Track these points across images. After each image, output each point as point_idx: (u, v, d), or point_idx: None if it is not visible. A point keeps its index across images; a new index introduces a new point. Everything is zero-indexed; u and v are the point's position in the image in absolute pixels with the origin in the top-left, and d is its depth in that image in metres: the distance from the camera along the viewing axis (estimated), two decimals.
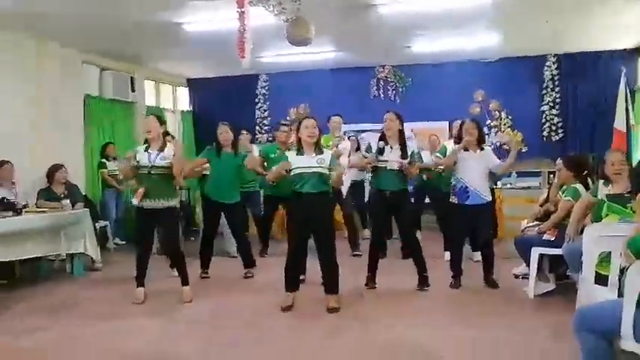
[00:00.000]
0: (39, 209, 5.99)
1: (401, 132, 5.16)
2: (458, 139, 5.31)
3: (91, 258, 6.26)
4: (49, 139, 7.28)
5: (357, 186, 7.41)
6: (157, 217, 4.98)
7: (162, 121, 5.08)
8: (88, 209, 6.31)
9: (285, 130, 6.92)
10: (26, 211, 5.72)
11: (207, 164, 6.01)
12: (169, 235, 5.17)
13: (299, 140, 4.64)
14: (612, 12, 6.57)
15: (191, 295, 5.07)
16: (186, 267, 5.15)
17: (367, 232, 8.00)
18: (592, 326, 2.67)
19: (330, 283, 4.69)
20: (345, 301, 4.82)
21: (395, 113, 5.20)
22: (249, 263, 6.06)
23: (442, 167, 5.92)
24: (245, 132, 7.40)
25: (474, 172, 5.17)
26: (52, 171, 6.47)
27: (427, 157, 6.76)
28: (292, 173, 4.59)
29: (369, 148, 5.28)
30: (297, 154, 4.64)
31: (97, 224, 6.86)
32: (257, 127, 10.40)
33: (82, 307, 4.99)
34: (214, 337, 4.13)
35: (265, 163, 6.63)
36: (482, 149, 5.23)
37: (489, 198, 5.26)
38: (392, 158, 5.08)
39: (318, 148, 4.61)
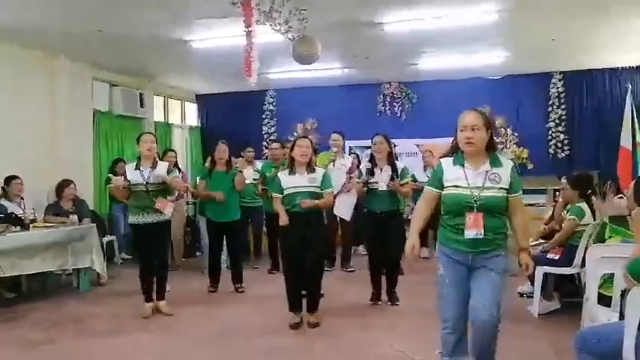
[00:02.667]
0: (46, 224, 6.04)
1: (390, 153, 5.23)
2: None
3: (98, 273, 6.29)
4: (59, 154, 7.38)
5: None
6: (154, 232, 5.08)
7: (156, 140, 5.27)
8: (95, 224, 6.36)
9: (276, 147, 7.03)
10: (34, 226, 5.78)
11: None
12: (161, 249, 5.26)
13: (292, 159, 4.69)
14: (618, 30, 6.61)
15: (171, 310, 5.20)
16: (165, 282, 5.30)
17: (361, 248, 7.99)
18: (594, 349, 2.67)
19: (312, 302, 4.77)
20: (344, 318, 4.84)
21: (384, 136, 5.29)
22: (239, 280, 6.12)
23: None
24: (250, 150, 7.47)
25: None
26: (61, 187, 6.54)
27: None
28: (285, 194, 4.66)
29: (360, 174, 5.35)
30: (289, 174, 4.69)
31: (103, 239, 6.90)
32: (264, 143, 10.46)
33: (88, 322, 5.02)
34: (218, 354, 4.16)
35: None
36: None
37: None
38: (382, 179, 5.15)
39: (310, 168, 4.66)
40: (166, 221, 5.17)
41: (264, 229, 7.50)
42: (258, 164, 7.45)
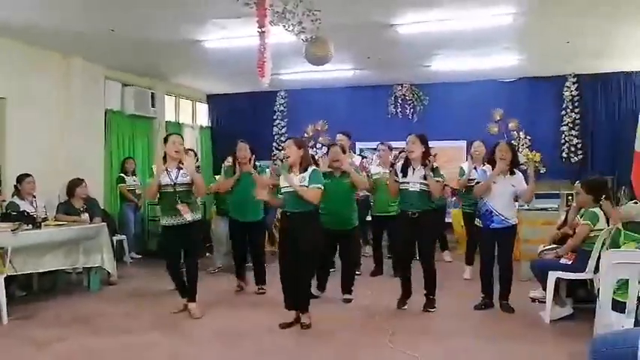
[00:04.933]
0: (58, 222, 6.07)
1: (424, 153, 5.09)
2: (491, 161, 5.24)
3: (108, 272, 6.31)
4: (70, 152, 7.42)
5: (362, 202, 7.28)
6: (187, 231, 5.07)
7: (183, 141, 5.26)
8: (105, 223, 6.38)
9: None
10: (45, 225, 5.79)
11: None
12: (194, 249, 5.27)
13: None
14: (633, 33, 6.55)
15: (200, 313, 5.11)
16: (196, 284, 5.21)
17: (368, 249, 7.93)
18: (608, 355, 2.63)
19: (301, 302, 4.74)
20: (358, 321, 4.81)
21: (417, 136, 5.17)
22: (261, 280, 6.09)
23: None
24: None
25: (500, 196, 5.11)
26: (73, 186, 6.56)
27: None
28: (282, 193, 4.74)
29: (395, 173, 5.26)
30: (288, 173, 4.74)
31: (114, 238, 6.92)
32: (274, 144, 10.45)
33: (98, 320, 5.03)
34: (227, 354, 4.15)
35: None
36: (512, 173, 5.15)
37: (514, 222, 5.17)
38: (414, 180, 5.08)
39: (303, 168, 4.66)
40: (196, 221, 5.15)
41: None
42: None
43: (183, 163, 5.05)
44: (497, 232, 5.13)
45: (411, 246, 5.28)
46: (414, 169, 5.12)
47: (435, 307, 5.19)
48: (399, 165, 5.23)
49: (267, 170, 6.53)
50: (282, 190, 4.74)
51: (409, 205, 5.14)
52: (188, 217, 5.00)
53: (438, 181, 5.08)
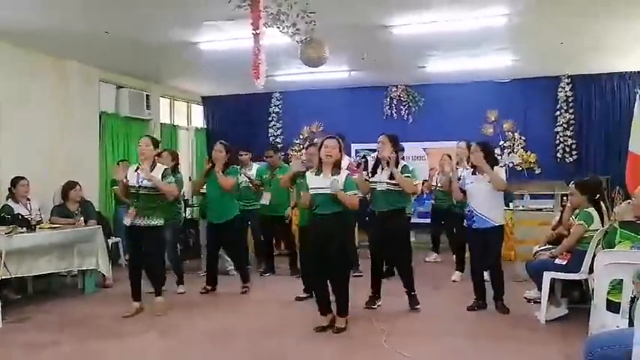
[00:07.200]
0: (52, 225, 6.04)
1: (394, 153, 5.14)
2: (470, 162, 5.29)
3: (103, 274, 6.29)
4: (65, 155, 7.41)
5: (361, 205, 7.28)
6: (142, 235, 5.15)
7: (155, 143, 5.34)
8: (100, 226, 6.36)
9: (270, 155, 7.18)
10: (40, 228, 5.78)
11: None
12: (150, 252, 5.25)
13: (320, 159, 4.64)
14: (627, 34, 6.58)
15: (164, 309, 5.21)
16: (160, 282, 5.34)
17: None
18: (603, 355, 2.64)
19: (340, 305, 4.66)
20: (354, 323, 4.82)
21: (387, 136, 5.23)
22: (244, 279, 6.15)
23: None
24: (244, 153, 7.34)
25: (479, 196, 5.13)
26: (67, 189, 6.53)
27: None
28: (311, 194, 4.63)
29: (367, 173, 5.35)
30: (315, 175, 4.66)
31: (109, 240, 6.90)
32: (270, 145, 10.41)
33: (93, 323, 5.01)
34: (221, 355, 4.14)
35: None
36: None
37: (497, 222, 5.13)
38: (383, 179, 5.14)
39: (335, 169, 4.57)
40: (157, 226, 5.19)
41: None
42: (255, 166, 7.39)
43: (143, 168, 5.09)
44: (481, 233, 5.14)
45: (381, 245, 5.28)
46: (382, 169, 5.17)
47: (419, 304, 5.21)
48: (370, 165, 5.32)
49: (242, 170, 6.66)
50: (313, 192, 4.60)
51: (377, 204, 5.21)
52: (126, 222, 5.12)
53: (407, 176, 5.10)
